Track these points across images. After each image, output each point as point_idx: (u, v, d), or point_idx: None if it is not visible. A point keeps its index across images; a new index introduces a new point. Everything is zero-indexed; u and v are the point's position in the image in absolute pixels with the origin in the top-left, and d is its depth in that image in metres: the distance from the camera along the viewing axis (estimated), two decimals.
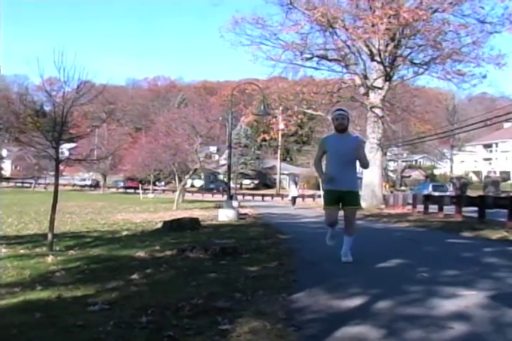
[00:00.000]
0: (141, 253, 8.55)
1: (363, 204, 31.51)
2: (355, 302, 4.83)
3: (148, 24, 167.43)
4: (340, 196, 7.47)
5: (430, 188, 46.22)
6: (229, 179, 26.54)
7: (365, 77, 31.61)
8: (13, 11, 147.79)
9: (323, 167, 7.86)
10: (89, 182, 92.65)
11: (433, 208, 22.09)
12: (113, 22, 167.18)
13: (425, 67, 31.39)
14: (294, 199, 39.25)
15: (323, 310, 4.53)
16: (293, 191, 40.93)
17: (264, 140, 57.51)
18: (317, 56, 32.82)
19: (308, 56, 32.68)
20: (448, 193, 39.50)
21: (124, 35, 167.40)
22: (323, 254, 8.25)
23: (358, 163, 7.76)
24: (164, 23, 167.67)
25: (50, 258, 8.48)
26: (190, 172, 42.21)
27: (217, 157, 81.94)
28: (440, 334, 3.79)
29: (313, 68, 33.35)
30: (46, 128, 11.66)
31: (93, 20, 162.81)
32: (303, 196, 55.00)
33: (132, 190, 78.48)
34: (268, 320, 4.12)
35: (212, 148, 78.69)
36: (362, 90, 32.11)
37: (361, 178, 29.88)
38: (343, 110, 7.92)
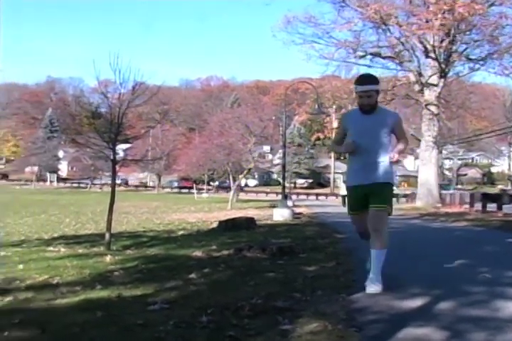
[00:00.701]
0: (198, 253, 8.57)
1: (419, 203, 31.21)
2: (417, 303, 4.72)
3: (200, 24, 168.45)
4: (365, 194, 5.53)
5: None
6: (283, 178, 26.49)
7: (420, 74, 31.19)
8: (70, 16, 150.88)
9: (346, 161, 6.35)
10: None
11: (491, 207, 21.64)
12: (166, 23, 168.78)
13: (482, 62, 30.81)
14: (344, 197, 38.96)
15: (384, 311, 4.45)
16: (343, 190, 40.63)
17: (318, 139, 57.33)
18: (370, 54, 32.54)
19: (362, 54, 32.42)
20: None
21: (176, 35, 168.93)
22: None
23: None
24: (216, 23, 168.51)
25: (108, 258, 8.57)
26: (245, 172, 42.34)
27: (270, 156, 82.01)
28: (506, 337, 3.67)
29: (367, 66, 33.07)
30: (102, 130, 11.82)
31: (147, 21, 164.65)
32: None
33: (186, 190, 79.19)
34: (329, 320, 4.05)
35: (266, 148, 78.84)
36: (417, 87, 31.69)
37: (416, 177, 29.52)
38: (370, 81, 5.54)
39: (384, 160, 5.51)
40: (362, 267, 6.00)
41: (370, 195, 5.48)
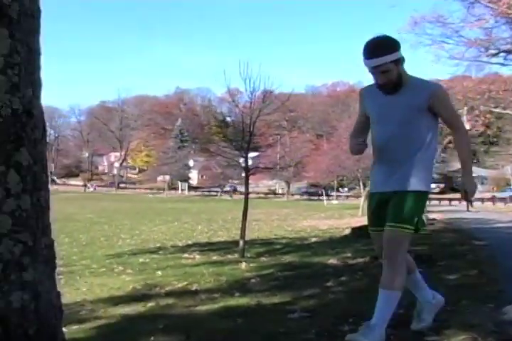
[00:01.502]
0: (333, 261, 8.49)
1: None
2: None
3: (322, 29, 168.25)
4: (386, 203, 3.87)
5: None
6: None
7: None
8: (198, 26, 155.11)
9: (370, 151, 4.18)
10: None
11: None
12: (289, 30, 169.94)
13: None
14: (470, 202, 37.45)
15: None
16: None
17: (450, 142, 55.67)
18: (504, 51, 31.09)
19: (494, 52, 31.04)
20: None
21: (300, 42, 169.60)
22: None
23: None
24: (339, 27, 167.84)
25: (243, 265, 8.67)
26: None
27: None
28: None
29: (500, 64, 31.56)
30: (234, 138, 12.01)
31: (272, 30, 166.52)
32: (482, 199, 52.39)
33: (316, 197, 79.12)
34: (477, 332, 3.84)
35: None
36: None
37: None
38: (380, 50, 3.70)
39: (417, 158, 3.82)
40: (508, 276, 5.69)
41: (389, 206, 3.85)
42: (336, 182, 67.98)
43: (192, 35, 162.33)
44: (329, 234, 17.47)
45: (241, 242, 10.71)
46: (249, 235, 16.66)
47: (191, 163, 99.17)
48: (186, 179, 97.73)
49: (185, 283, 6.99)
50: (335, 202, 66.35)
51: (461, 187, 3.96)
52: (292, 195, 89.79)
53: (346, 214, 36.71)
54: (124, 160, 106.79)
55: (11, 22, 2.03)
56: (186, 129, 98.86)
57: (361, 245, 11.35)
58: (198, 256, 10.84)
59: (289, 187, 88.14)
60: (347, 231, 15.72)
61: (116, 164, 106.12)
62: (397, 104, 3.83)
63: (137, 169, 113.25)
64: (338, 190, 77.90)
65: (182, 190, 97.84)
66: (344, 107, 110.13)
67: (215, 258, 10.46)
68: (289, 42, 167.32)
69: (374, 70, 3.75)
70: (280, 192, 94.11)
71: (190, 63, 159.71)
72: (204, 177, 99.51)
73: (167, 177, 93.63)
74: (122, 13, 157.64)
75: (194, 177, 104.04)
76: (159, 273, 8.35)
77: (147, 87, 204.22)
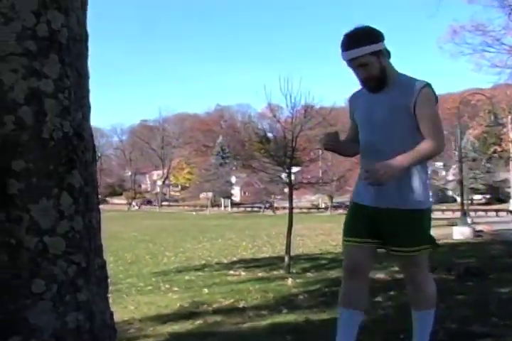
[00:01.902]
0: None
1: None
2: None
3: None
4: (373, 220, 3.44)
5: None
6: (461, 195, 25.48)
7: None
8: (236, 43, 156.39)
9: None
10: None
11: None
12: (327, 44, 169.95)
13: None
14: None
15: None
16: None
17: (495, 152, 54.85)
18: None
19: None
20: None
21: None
22: None
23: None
24: None
25: (289, 281, 8.63)
26: None
27: (444, 173, 79.42)
28: None
29: None
30: (275, 154, 12.02)
31: (310, 42, 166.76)
32: None
33: None
34: None
35: (438, 164, 76.48)
36: None
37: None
38: (355, 41, 3.32)
39: (411, 170, 3.32)
40: None
41: (390, 227, 3.38)
42: None
43: (229, 50, 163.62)
44: None
45: (286, 258, 10.66)
46: (294, 250, 16.58)
47: (233, 179, 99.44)
48: (229, 195, 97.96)
49: (232, 300, 6.98)
50: None
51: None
52: (335, 208, 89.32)
53: None
54: (167, 178, 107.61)
55: (60, 47, 2.08)
56: (227, 146, 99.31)
57: None
58: (243, 273, 10.83)
59: (331, 202, 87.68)
60: None
61: (159, 182, 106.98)
62: (381, 103, 3.39)
63: (180, 187, 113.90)
64: None
65: (225, 206, 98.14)
66: None
67: (260, 274, 10.44)
68: (329, 55, 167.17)
69: (352, 64, 3.35)
70: (323, 206, 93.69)
71: (229, 79, 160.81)
72: (246, 193, 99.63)
73: (209, 194, 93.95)
74: (161, 32, 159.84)
75: (236, 193, 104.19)
76: (206, 290, 8.35)
77: (187, 105, 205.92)
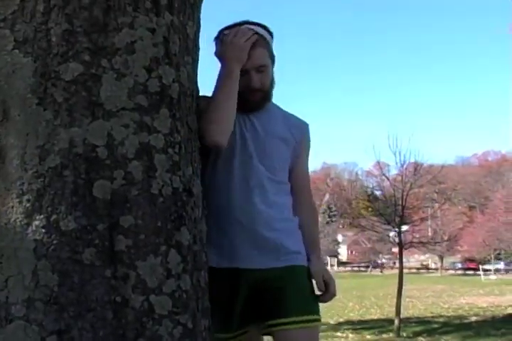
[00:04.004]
0: None
1: None
2: None
3: (467, 98, 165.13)
4: (247, 292, 2.44)
5: None
6: None
7: None
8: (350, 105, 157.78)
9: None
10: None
11: None
12: (434, 100, 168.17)
13: None
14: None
15: None
16: None
17: None
18: None
19: None
20: None
21: (449, 111, 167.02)
22: None
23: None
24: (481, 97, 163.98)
25: None
26: None
27: None
28: None
29: None
30: (384, 212, 11.79)
31: (418, 99, 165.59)
32: None
33: (471, 272, 75.57)
34: None
35: None
36: None
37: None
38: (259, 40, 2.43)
39: (285, 205, 2.55)
40: None
41: (273, 294, 2.40)
42: (492, 256, 64.72)
43: (334, 108, 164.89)
44: (490, 312, 16.45)
45: (396, 320, 10.31)
46: (404, 313, 16.04)
47: (340, 238, 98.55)
48: (335, 254, 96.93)
49: None
50: (493, 277, 62.88)
51: (319, 277, 2.53)
52: (446, 269, 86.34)
53: (506, 290, 34.54)
54: None
55: (171, 102, 2.07)
56: (334, 204, 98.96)
57: None
58: (351, 335, 10.52)
59: (442, 262, 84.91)
60: (510, 310, 14.75)
61: None
62: (261, 130, 2.50)
63: None
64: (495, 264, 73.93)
65: (331, 265, 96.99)
66: (497, 177, 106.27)
67: (369, 337, 10.12)
68: (437, 111, 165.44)
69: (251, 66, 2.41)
70: (433, 266, 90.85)
71: (335, 137, 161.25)
72: (353, 252, 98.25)
73: None
74: None
75: (343, 252, 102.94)
76: None
77: None
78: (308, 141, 2.71)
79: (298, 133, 2.60)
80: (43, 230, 1.86)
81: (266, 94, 2.48)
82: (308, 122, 2.73)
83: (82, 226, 1.86)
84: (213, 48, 2.55)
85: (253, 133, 2.47)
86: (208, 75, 2.56)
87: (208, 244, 2.23)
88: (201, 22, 2.38)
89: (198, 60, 2.35)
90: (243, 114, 2.44)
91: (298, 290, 2.43)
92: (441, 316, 15.50)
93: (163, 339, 1.92)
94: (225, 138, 2.32)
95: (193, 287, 2.04)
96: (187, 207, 2.08)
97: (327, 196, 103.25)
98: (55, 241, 1.85)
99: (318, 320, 2.46)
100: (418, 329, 11.17)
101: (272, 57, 2.50)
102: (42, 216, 1.87)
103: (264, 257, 2.41)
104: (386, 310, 18.17)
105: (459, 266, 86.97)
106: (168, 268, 1.96)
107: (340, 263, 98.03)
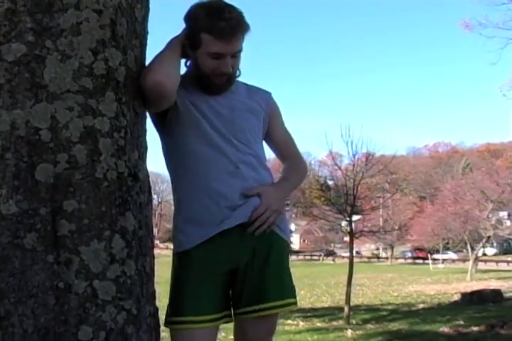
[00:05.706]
0: (445, 329, 8.05)
1: None
2: None
3: (419, 94, 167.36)
4: (231, 267, 2.36)
5: None
6: None
7: None
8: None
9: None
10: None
11: None
12: (387, 93, 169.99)
13: None
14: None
15: None
16: None
17: None
18: None
19: None
20: None
21: (401, 104, 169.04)
22: None
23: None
24: (439, 89, 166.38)
25: (349, 332, 8.38)
26: (483, 241, 40.30)
27: (509, 223, 77.21)
28: None
29: None
30: (336, 201, 11.89)
31: (370, 91, 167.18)
32: None
33: (421, 261, 76.88)
34: None
35: (502, 214, 74.46)
36: None
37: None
38: (243, 26, 2.35)
39: (262, 175, 2.49)
40: None
41: (249, 270, 2.36)
42: (441, 245, 65.95)
43: (288, 97, 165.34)
44: (437, 299, 16.78)
45: (346, 308, 10.42)
46: (354, 301, 16.22)
47: (293, 227, 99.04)
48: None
49: None
50: (441, 266, 64.07)
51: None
52: (396, 258, 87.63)
53: (453, 278, 35.28)
54: None
55: (117, 85, 2.03)
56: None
57: (474, 312, 10.77)
58: (301, 323, 10.58)
59: (392, 251, 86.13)
60: (456, 297, 15.07)
61: None
62: (231, 109, 2.48)
63: None
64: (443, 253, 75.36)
65: None
66: (447, 168, 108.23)
67: (319, 324, 10.20)
68: (390, 104, 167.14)
69: (216, 54, 2.33)
70: (384, 255, 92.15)
71: (289, 127, 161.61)
72: (306, 241, 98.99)
73: None
74: None
75: (296, 241, 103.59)
76: None
77: None
78: (277, 107, 2.73)
79: (263, 102, 2.61)
80: None
81: (231, 77, 2.46)
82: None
83: (23, 210, 1.82)
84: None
85: (219, 110, 2.45)
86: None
87: (188, 221, 2.30)
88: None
89: (146, 44, 2.30)
90: (206, 95, 2.44)
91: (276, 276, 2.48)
92: (390, 304, 15.74)
93: (107, 325, 1.89)
94: (168, 79, 2.20)
95: (137, 272, 2.02)
96: (132, 192, 2.04)
97: None
98: None
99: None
100: (367, 316, 11.32)
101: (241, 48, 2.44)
102: None
103: (244, 211, 2.33)
104: (337, 298, 18.36)
105: (409, 255, 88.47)
106: (112, 253, 1.93)
107: (293, 252, 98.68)
